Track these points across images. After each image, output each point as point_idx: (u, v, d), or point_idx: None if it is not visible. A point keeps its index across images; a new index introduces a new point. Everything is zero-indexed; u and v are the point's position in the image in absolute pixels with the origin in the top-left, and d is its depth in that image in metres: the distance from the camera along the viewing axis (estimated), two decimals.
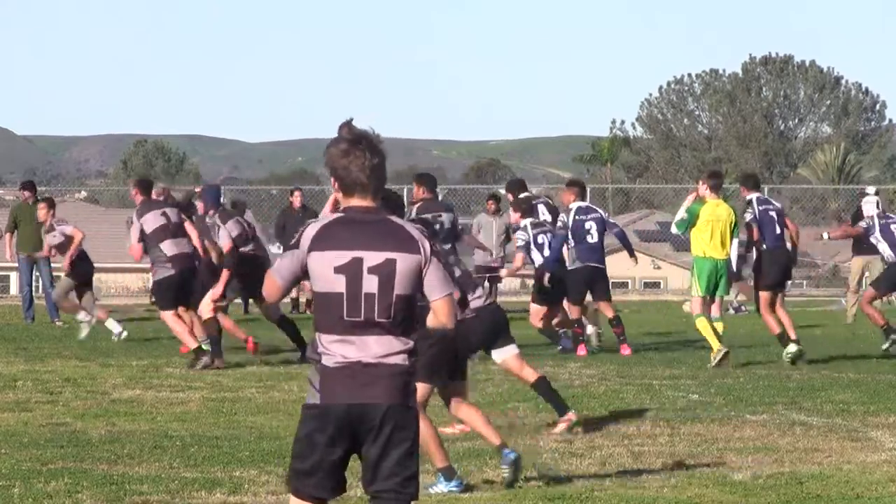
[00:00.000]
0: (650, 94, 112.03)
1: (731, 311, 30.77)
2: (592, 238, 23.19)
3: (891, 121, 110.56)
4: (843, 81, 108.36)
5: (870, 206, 23.33)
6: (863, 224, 23.80)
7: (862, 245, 31.29)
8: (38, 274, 29.81)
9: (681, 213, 22.73)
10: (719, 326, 21.79)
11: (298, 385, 18.62)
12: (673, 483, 12.07)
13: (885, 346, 22.16)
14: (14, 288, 56.51)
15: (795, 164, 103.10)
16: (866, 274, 31.30)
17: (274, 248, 28.20)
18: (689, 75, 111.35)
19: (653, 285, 60.29)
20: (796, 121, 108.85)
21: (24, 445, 13.80)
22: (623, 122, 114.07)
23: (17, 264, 31.24)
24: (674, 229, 23.84)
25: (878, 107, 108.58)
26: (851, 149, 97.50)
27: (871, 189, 33.58)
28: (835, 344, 25.32)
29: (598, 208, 24.82)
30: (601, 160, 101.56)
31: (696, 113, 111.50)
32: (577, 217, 23.02)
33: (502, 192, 30.65)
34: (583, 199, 24.49)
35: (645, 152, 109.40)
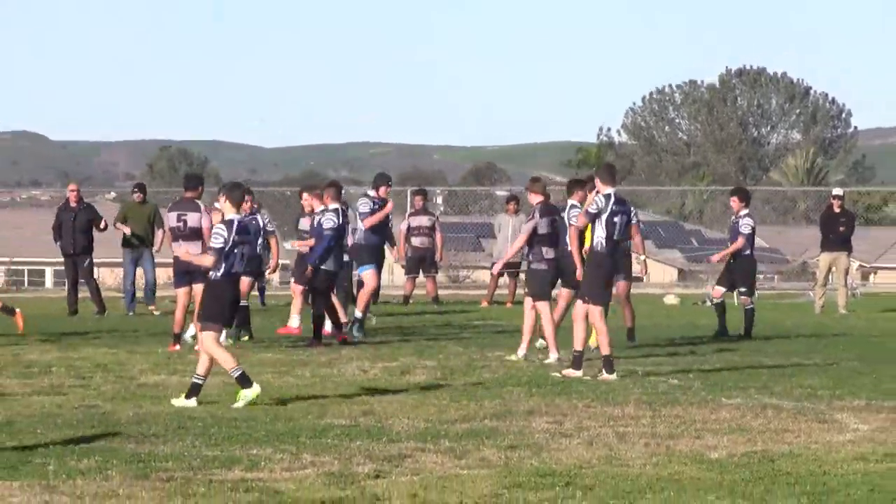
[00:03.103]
0: (634, 104, 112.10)
1: (708, 304, 30.76)
2: None
3: (856, 128, 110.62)
4: (812, 92, 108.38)
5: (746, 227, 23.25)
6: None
7: (829, 242, 31.37)
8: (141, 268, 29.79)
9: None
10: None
11: (311, 371, 18.64)
12: (654, 461, 12.07)
13: None
14: (49, 281, 56.47)
15: (768, 167, 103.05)
16: (833, 269, 31.32)
17: (287, 246, 28.04)
18: (670, 86, 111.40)
19: (635, 279, 60.31)
20: (769, 128, 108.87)
21: (58, 426, 13.80)
22: (609, 129, 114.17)
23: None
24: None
25: (843, 115, 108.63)
26: (819, 154, 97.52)
27: (837, 191, 33.63)
28: (804, 334, 25.34)
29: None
30: (589, 164, 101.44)
31: (677, 121, 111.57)
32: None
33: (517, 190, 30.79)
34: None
35: (629, 157, 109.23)
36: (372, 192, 23.76)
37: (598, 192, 18.76)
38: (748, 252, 23.64)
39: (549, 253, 20.47)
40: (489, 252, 35.83)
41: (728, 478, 11.32)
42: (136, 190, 30.66)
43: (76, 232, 29.10)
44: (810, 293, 34.17)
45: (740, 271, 23.76)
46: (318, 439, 13.05)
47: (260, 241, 22.14)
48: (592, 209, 18.44)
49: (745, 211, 23.65)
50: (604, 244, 18.33)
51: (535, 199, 20.96)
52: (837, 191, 33.83)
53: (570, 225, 20.31)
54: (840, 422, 14.40)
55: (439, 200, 62.77)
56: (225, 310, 15.95)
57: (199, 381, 15.64)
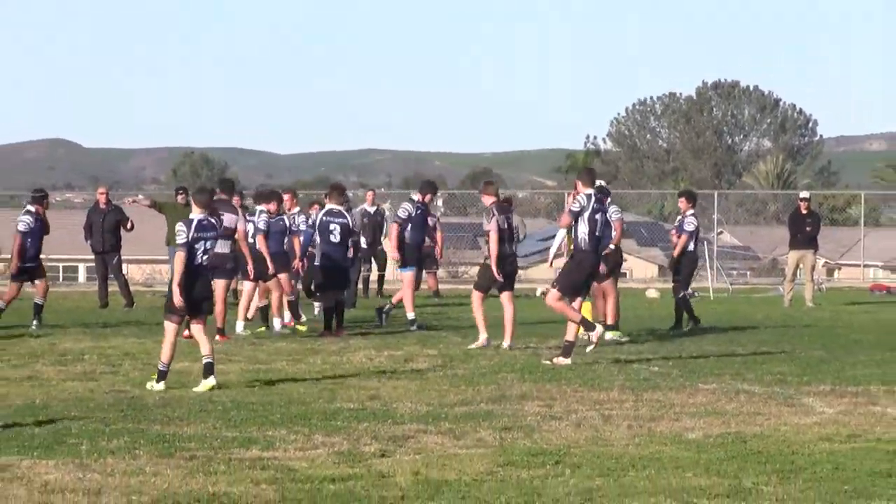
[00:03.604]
0: (618, 114, 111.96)
1: (697, 296, 30.71)
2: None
3: (821, 136, 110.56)
4: (781, 103, 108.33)
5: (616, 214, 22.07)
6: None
7: (797, 241, 31.38)
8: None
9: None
10: (587, 307, 21.83)
11: (322, 358, 18.65)
12: (637, 442, 12.08)
13: None
14: (82, 277, 56.42)
15: (741, 172, 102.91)
16: (800, 266, 31.32)
17: None
18: (651, 98, 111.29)
19: (620, 275, 60.33)
20: (741, 136, 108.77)
21: (90, 409, 13.82)
22: (595, 137, 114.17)
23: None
24: (560, 237, 23.86)
25: (810, 124, 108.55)
26: (788, 160, 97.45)
27: (804, 194, 33.64)
28: (773, 325, 25.34)
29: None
30: (576, 169, 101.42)
31: (657, 129, 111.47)
32: None
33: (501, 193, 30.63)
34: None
35: (613, 163, 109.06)
36: (416, 197, 23.62)
37: (578, 192, 18.75)
38: (691, 248, 23.68)
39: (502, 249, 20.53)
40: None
41: (704, 457, 11.33)
42: (180, 192, 30.69)
43: (105, 231, 29.10)
44: (780, 288, 34.20)
45: (682, 265, 23.82)
46: (328, 421, 13.06)
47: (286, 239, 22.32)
48: (575, 208, 18.41)
49: (692, 211, 23.69)
50: (587, 240, 18.31)
51: (489, 199, 20.89)
52: (804, 194, 33.84)
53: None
54: (807, 405, 14.41)
55: (440, 203, 62.57)
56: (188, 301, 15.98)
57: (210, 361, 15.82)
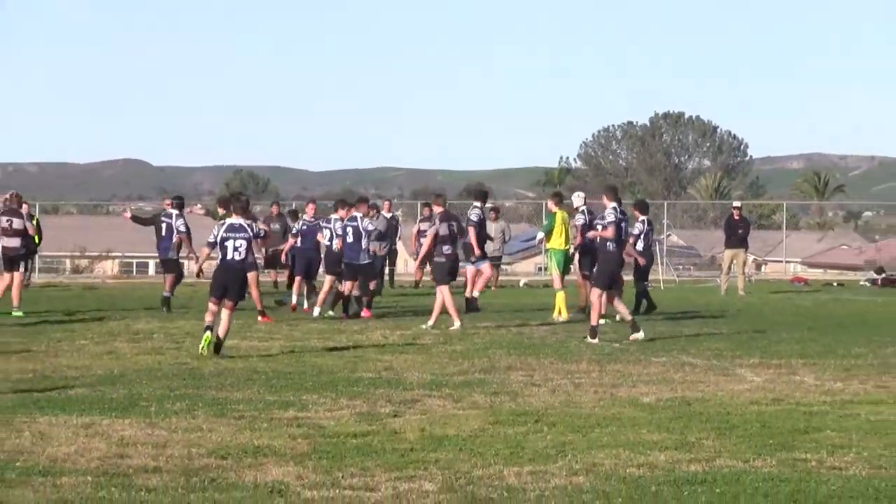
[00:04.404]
0: (586, 138, 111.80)
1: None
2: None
3: (751, 156, 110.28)
4: (719, 129, 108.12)
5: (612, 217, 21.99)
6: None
7: (731, 242, 31.36)
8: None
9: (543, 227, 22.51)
10: (561, 297, 21.80)
11: (346, 337, 18.63)
12: (601, 404, 12.09)
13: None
14: (151, 270, 56.43)
15: (686, 186, 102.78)
16: (733, 261, 31.30)
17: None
18: (613, 125, 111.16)
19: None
20: (686, 157, 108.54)
21: (157, 378, 13.83)
22: (567, 158, 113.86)
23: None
24: (540, 234, 23.70)
25: (742, 146, 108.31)
26: (724, 176, 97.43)
27: (737, 203, 33.62)
28: (712, 310, 25.33)
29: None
30: (553, 184, 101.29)
31: (618, 151, 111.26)
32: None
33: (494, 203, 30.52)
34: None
35: (582, 178, 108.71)
36: (478, 204, 23.58)
37: (606, 205, 18.76)
38: (639, 247, 23.37)
39: (448, 249, 20.42)
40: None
41: (656, 416, 11.34)
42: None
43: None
44: (717, 280, 34.15)
45: (603, 260, 23.47)
46: (351, 388, 13.07)
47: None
48: (613, 218, 18.37)
49: (642, 218, 23.45)
50: (615, 245, 18.37)
51: (437, 209, 20.93)
52: (737, 203, 33.85)
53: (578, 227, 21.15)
54: (739, 375, 14.43)
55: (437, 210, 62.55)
56: (215, 287, 16.30)
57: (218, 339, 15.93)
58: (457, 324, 19.75)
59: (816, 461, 9.40)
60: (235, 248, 16.16)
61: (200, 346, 15.80)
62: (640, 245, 22.98)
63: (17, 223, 21.96)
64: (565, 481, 8.66)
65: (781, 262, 52.16)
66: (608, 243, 18.37)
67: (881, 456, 9.62)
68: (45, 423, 10.76)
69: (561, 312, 21.60)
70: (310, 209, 24.59)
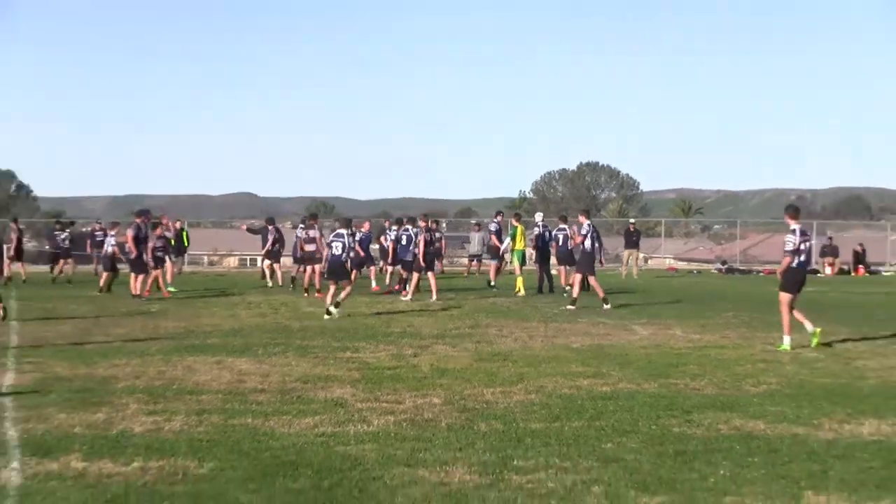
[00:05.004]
0: (538, 177, 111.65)
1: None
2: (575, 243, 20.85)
3: (641, 190, 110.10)
4: (621, 173, 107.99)
5: (585, 229, 19.34)
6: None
7: (628, 244, 31.44)
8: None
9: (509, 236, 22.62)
10: (520, 281, 21.42)
11: (382, 307, 18.51)
12: (546, 348, 12.08)
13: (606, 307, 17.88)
14: (258, 263, 56.10)
15: (600, 209, 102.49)
16: (630, 257, 31.35)
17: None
18: (553, 170, 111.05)
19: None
20: (600, 190, 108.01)
21: (261, 332, 13.81)
22: (524, 191, 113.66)
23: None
24: (507, 240, 23.58)
25: (636, 184, 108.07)
26: (624, 203, 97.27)
27: (632, 220, 33.61)
28: (617, 288, 25.25)
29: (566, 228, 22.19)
30: (515, 208, 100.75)
31: (556, 186, 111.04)
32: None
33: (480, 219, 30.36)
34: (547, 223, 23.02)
35: (534, 206, 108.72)
36: (497, 219, 23.02)
37: (582, 222, 18.73)
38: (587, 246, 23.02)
39: (415, 248, 19.97)
40: (467, 250, 35.41)
41: (580, 356, 11.33)
42: (305, 220, 30.16)
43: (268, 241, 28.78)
44: (619, 269, 34.12)
45: (582, 256, 23.17)
46: (386, 338, 13.05)
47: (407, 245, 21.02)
48: (586, 230, 18.40)
49: (588, 222, 22.73)
50: (590, 247, 18.43)
51: (422, 223, 20.34)
52: (632, 220, 33.91)
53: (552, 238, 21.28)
54: (634, 330, 14.40)
55: (444, 224, 62.66)
56: (328, 273, 16.57)
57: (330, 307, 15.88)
58: (433, 298, 19.39)
59: (683, 384, 9.43)
60: (337, 247, 16.33)
61: (328, 315, 15.62)
62: (587, 242, 22.50)
63: (154, 239, 20.81)
64: (523, 398, 8.69)
65: (661, 257, 52.08)
66: (586, 244, 18.34)
67: (724, 381, 9.66)
68: (191, 361, 10.79)
69: (520, 290, 21.52)
70: (366, 226, 24.20)
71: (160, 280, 21.02)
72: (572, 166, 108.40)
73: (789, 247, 12.23)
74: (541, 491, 5.70)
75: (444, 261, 35.71)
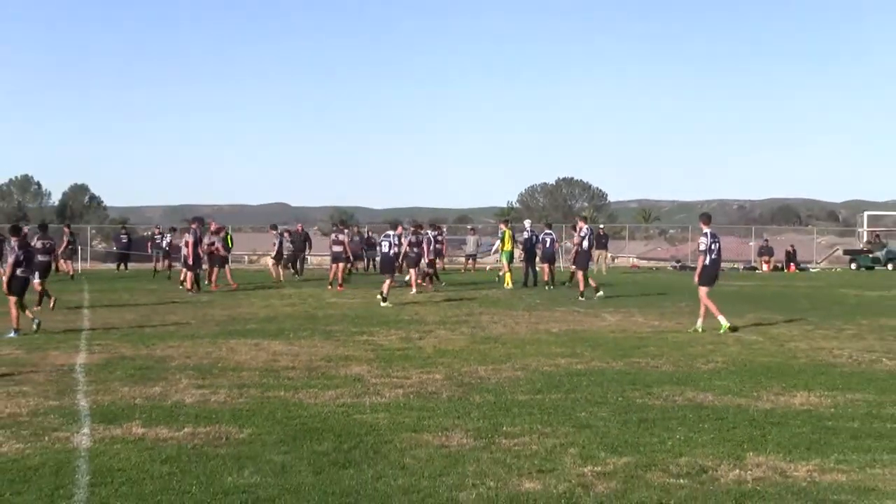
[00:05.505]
0: (523, 190, 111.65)
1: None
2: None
3: (609, 201, 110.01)
4: (592, 186, 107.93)
5: (584, 232, 18.81)
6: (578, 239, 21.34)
7: (599, 246, 31.29)
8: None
9: (499, 238, 22.50)
10: (508, 276, 21.32)
11: (395, 298, 18.39)
12: (530, 332, 12.05)
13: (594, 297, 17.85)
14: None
15: (575, 217, 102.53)
16: (601, 256, 31.29)
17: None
18: (536, 184, 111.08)
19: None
20: (575, 201, 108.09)
21: (293, 319, 13.75)
22: (511, 201, 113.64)
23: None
24: (497, 242, 23.35)
25: (605, 195, 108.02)
26: (595, 211, 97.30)
27: (601, 225, 33.54)
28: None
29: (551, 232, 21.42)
30: (504, 215, 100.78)
31: (539, 198, 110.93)
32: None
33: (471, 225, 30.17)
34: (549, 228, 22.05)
35: (520, 213, 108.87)
36: (502, 225, 22.65)
37: (581, 227, 18.68)
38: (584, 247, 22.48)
39: (415, 251, 19.52)
40: (464, 251, 35.31)
41: (559, 339, 11.29)
42: (335, 225, 30.02)
43: (299, 242, 28.80)
44: (592, 266, 34.01)
45: (580, 255, 22.41)
46: (396, 324, 12.99)
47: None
48: (583, 234, 18.21)
49: (586, 227, 20.46)
50: (585, 246, 18.25)
51: (411, 228, 20.21)
52: (602, 226, 33.89)
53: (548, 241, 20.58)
54: (603, 317, 14.34)
55: (445, 229, 62.65)
56: (381, 268, 16.93)
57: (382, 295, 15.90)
58: (413, 291, 18.98)
59: (645, 363, 9.40)
60: (385, 245, 16.49)
61: (379, 303, 15.60)
62: (585, 243, 22.07)
63: (207, 240, 20.60)
64: (511, 374, 8.66)
65: (626, 257, 52.05)
66: (584, 245, 18.21)
67: (679, 360, 9.62)
68: (234, 343, 10.76)
69: (508, 284, 21.41)
70: (399, 229, 23.36)
71: (227, 273, 21.07)
72: (552, 180, 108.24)
73: (703, 247, 12.27)
74: (526, 452, 5.69)
75: (445, 259, 35.57)
